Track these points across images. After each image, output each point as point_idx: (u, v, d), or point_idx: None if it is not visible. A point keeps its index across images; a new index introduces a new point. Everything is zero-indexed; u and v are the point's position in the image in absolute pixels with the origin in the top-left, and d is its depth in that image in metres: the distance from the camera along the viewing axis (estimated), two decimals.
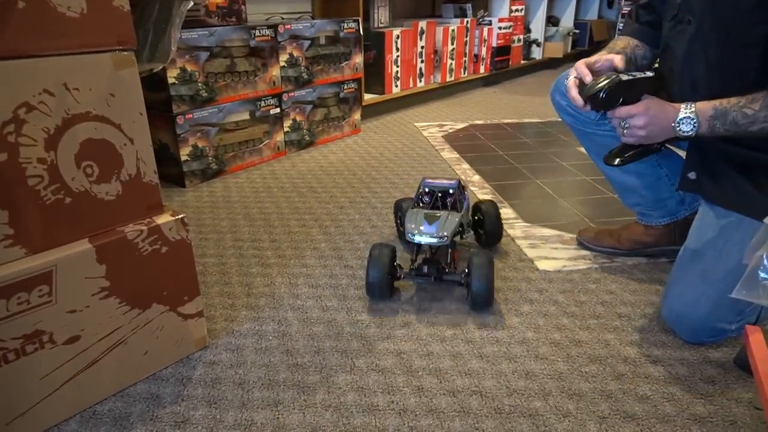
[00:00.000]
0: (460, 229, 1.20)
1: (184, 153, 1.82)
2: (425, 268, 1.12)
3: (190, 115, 1.81)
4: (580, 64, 1.07)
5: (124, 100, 0.83)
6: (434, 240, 1.08)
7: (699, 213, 1.07)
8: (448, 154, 2.19)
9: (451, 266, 1.16)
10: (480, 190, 1.78)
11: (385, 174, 1.95)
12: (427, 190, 1.24)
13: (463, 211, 1.20)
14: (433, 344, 1.01)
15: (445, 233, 1.08)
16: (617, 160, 1.04)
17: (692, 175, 1.06)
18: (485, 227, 1.32)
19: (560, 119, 1.31)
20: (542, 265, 1.30)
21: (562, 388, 0.90)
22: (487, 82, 3.84)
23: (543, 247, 1.39)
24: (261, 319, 1.09)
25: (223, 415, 0.85)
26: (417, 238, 1.09)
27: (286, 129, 2.17)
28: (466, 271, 1.09)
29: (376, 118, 2.86)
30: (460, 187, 1.26)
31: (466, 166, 2.04)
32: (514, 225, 1.52)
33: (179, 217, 0.91)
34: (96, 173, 0.82)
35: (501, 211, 1.62)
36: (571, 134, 1.34)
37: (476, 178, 1.91)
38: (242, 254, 1.36)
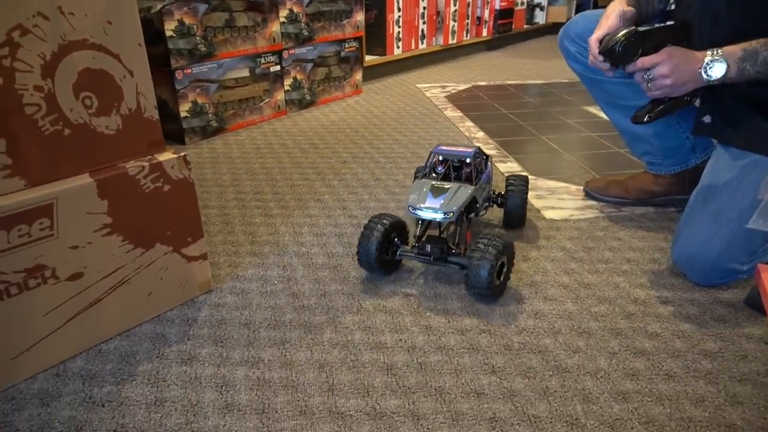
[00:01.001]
0: (476, 205, 1.06)
1: (184, 109, 1.79)
2: (428, 247, 0.97)
3: (189, 71, 1.77)
4: (592, 41, 1.03)
5: (122, 29, 0.80)
6: (438, 216, 0.93)
7: (713, 156, 1.05)
8: (452, 112, 2.16)
9: (461, 247, 1.02)
10: (484, 146, 1.75)
11: (387, 131, 1.92)
12: (440, 158, 1.08)
13: (480, 184, 1.05)
14: (441, 287, 1.00)
15: (452, 209, 0.94)
16: (646, 117, 1.00)
17: (707, 119, 1.03)
18: (506, 205, 1.17)
19: (568, 76, 1.28)
20: (549, 214, 1.28)
21: (571, 326, 0.89)
22: (490, 45, 3.78)
23: (549, 198, 1.37)
24: (266, 264, 1.08)
25: (230, 353, 0.84)
26: (419, 213, 0.95)
27: (286, 87, 2.13)
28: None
29: (377, 79, 2.81)
30: (481, 157, 1.10)
31: (469, 123, 2.01)
32: None
33: (181, 155, 0.89)
34: (95, 105, 0.80)
35: (506, 165, 1.60)
36: (576, 94, 1.32)
37: (480, 134, 1.88)
38: (245, 206, 1.34)
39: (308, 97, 2.25)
